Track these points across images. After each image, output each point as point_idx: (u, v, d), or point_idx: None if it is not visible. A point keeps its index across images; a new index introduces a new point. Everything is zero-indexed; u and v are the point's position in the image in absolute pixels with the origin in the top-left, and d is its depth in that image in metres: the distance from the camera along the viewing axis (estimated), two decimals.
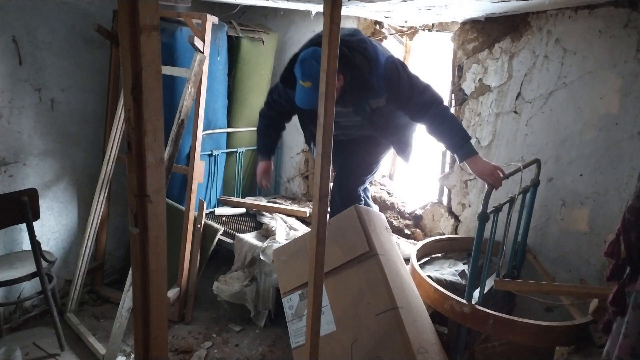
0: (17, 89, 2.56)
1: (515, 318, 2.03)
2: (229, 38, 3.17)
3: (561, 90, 2.55)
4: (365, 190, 2.76)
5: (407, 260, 2.53)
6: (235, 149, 3.53)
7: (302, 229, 3.09)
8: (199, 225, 2.92)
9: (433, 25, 3.08)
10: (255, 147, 3.46)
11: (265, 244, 2.86)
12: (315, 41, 2.14)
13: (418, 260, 2.59)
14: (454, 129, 2.18)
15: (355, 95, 2.19)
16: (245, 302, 2.86)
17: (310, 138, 2.53)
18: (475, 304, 2.08)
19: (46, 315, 2.81)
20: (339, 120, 2.27)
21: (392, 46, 3.49)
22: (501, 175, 2.08)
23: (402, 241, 3.07)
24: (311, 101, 2.04)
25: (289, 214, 3.29)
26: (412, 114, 2.26)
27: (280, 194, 3.93)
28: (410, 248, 2.87)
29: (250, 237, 2.97)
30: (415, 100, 2.19)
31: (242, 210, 3.39)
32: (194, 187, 2.86)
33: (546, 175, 2.62)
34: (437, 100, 2.19)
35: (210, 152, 3.30)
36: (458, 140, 2.17)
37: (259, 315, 2.90)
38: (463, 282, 2.41)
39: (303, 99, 2.07)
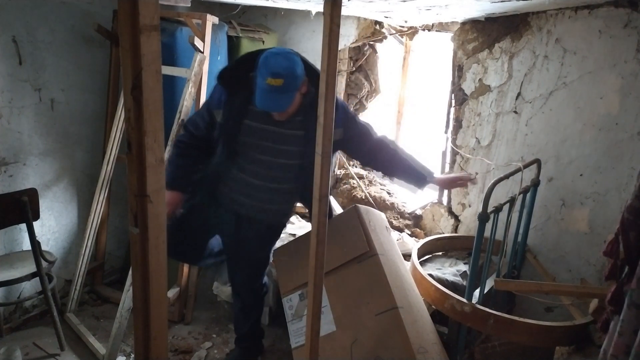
0: (17, 89, 2.56)
1: (516, 318, 2.03)
2: (229, 38, 3.17)
3: (561, 90, 2.55)
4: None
5: (409, 255, 2.54)
6: None
7: (297, 224, 3.09)
8: None
9: (433, 25, 3.08)
10: None
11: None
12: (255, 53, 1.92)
13: (419, 258, 2.60)
14: (413, 157, 2.21)
15: (314, 115, 2.04)
16: None
17: (232, 152, 2.03)
18: (476, 303, 2.08)
19: (46, 315, 2.81)
20: (268, 148, 2.00)
21: (392, 46, 3.49)
22: (466, 176, 2.19)
23: (405, 235, 3.08)
24: (279, 102, 1.83)
25: None
26: (374, 152, 2.14)
27: None
28: (413, 244, 2.87)
29: None
30: (373, 135, 2.14)
31: None
32: None
33: (546, 175, 2.62)
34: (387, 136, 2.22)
35: None
36: (421, 165, 2.20)
37: None
38: (464, 282, 2.41)
39: (269, 99, 1.82)
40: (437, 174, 2.17)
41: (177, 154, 2.15)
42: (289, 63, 1.80)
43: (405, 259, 2.38)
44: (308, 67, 1.92)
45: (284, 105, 1.85)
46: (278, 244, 2.50)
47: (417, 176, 2.18)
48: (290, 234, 2.98)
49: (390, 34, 3.29)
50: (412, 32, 3.22)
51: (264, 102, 1.82)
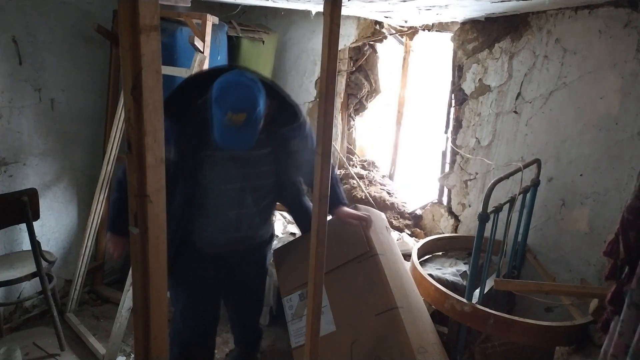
0: (17, 89, 2.56)
1: (516, 318, 2.03)
2: (229, 38, 3.17)
3: (561, 90, 2.55)
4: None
5: (409, 255, 2.54)
6: None
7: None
8: None
9: (433, 25, 3.08)
10: None
11: None
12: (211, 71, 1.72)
13: (419, 258, 2.60)
14: (337, 183, 2.13)
15: (279, 127, 1.76)
16: None
17: (197, 189, 1.81)
18: (476, 303, 2.08)
19: (46, 315, 2.81)
20: (235, 175, 1.81)
21: (392, 46, 3.49)
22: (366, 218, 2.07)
23: (405, 235, 3.08)
24: (244, 139, 1.60)
25: None
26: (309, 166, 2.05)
27: None
28: (413, 244, 2.87)
29: None
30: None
31: None
32: None
33: (546, 175, 2.62)
34: None
35: None
36: (339, 193, 2.12)
37: None
38: (464, 283, 2.41)
39: (232, 137, 1.58)
40: (345, 207, 2.09)
41: (121, 198, 1.87)
42: (249, 94, 1.56)
43: (405, 259, 2.38)
44: (264, 83, 1.70)
45: (249, 142, 1.63)
46: (278, 244, 2.49)
47: (340, 198, 2.13)
48: (290, 233, 2.98)
49: (390, 34, 3.29)
50: (412, 32, 3.22)
51: (226, 140, 1.60)
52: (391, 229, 2.46)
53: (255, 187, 1.88)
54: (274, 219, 2.19)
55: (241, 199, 1.87)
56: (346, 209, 2.10)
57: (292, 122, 1.80)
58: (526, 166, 2.32)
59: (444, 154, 3.13)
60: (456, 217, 3.10)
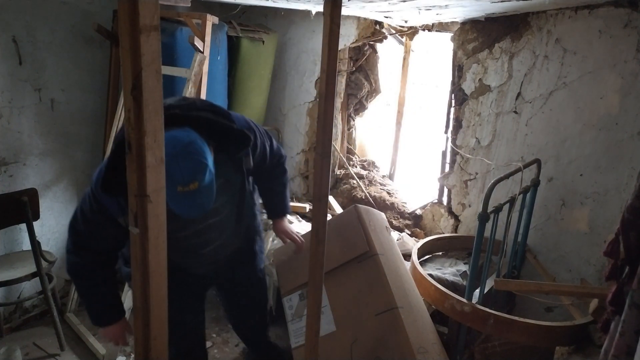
0: (17, 89, 2.56)
1: (515, 318, 2.03)
2: (229, 38, 3.17)
3: (561, 90, 2.55)
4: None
5: (409, 255, 2.54)
6: None
7: (297, 224, 3.09)
8: None
9: (433, 25, 3.08)
10: None
11: (268, 247, 2.86)
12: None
13: (419, 258, 2.60)
14: (284, 194, 2.14)
15: (232, 154, 1.69)
16: None
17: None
18: (476, 303, 2.08)
19: (46, 315, 2.81)
20: (197, 220, 1.70)
21: (392, 46, 3.49)
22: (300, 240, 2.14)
23: (405, 235, 3.08)
24: (202, 205, 1.48)
25: None
26: (270, 167, 2.02)
27: None
28: (413, 244, 2.87)
29: None
30: (274, 146, 1.97)
31: None
32: None
33: (546, 175, 2.62)
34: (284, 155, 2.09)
35: None
36: (283, 204, 2.14)
37: None
38: (464, 282, 2.41)
39: (189, 207, 1.46)
40: (283, 222, 2.13)
41: (95, 284, 1.70)
42: (194, 162, 1.42)
43: (405, 259, 2.38)
44: (204, 120, 1.57)
45: (210, 202, 1.51)
46: (278, 244, 2.49)
47: (271, 209, 2.17)
48: None
49: (390, 34, 3.29)
50: (412, 32, 3.22)
51: (185, 209, 1.47)
52: (391, 229, 2.47)
53: (220, 221, 1.82)
54: (257, 218, 2.16)
55: (208, 236, 1.81)
56: (285, 223, 2.13)
57: (244, 146, 1.70)
58: (526, 166, 2.32)
59: (444, 154, 3.13)
60: (456, 217, 3.10)
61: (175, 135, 1.44)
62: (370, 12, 2.89)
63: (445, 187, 3.15)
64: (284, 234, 2.16)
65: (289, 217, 3.22)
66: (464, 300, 2.08)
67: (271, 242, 2.89)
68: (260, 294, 2.33)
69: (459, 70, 2.94)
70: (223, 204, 1.79)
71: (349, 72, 3.51)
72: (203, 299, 2.14)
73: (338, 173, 3.60)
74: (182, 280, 1.84)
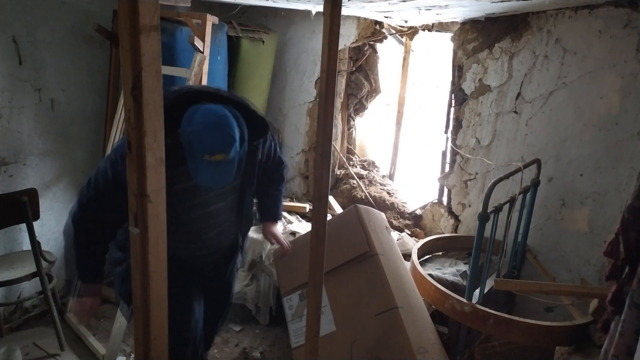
0: (17, 89, 2.56)
1: (515, 318, 2.03)
2: (229, 38, 3.17)
3: (561, 90, 2.55)
4: None
5: (409, 255, 2.54)
6: None
7: (297, 224, 3.09)
8: None
9: (433, 25, 3.08)
10: None
11: (268, 247, 2.86)
12: (185, 97, 1.59)
13: (419, 258, 2.60)
14: (278, 200, 2.17)
15: (249, 141, 1.71)
16: (245, 301, 2.87)
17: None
18: (476, 303, 2.08)
19: (46, 315, 2.81)
20: (202, 202, 1.78)
21: (392, 46, 3.49)
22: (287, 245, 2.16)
23: (405, 235, 3.09)
24: (223, 176, 1.57)
25: (289, 210, 3.33)
26: (271, 170, 2.05)
27: None
28: (413, 244, 2.87)
29: (250, 231, 2.97)
30: (278, 150, 2.03)
31: None
32: None
33: (546, 175, 2.62)
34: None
35: None
36: (275, 209, 2.16)
37: (260, 312, 2.90)
38: (464, 283, 2.41)
39: (211, 176, 1.54)
40: (273, 227, 2.18)
41: (92, 239, 1.76)
42: (225, 134, 1.50)
43: (405, 259, 2.38)
44: (234, 103, 1.66)
45: (229, 178, 1.60)
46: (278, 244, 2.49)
47: (263, 213, 2.20)
48: (290, 233, 2.98)
49: (390, 34, 3.29)
50: (412, 32, 3.22)
51: (206, 180, 1.56)
52: (391, 229, 2.47)
53: (221, 207, 1.87)
54: (252, 218, 2.19)
55: (209, 222, 1.85)
56: (275, 227, 2.17)
57: (261, 135, 1.80)
58: (526, 166, 2.32)
59: (444, 154, 3.13)
60: (456, 217, 3.10)
61: (210, 107, 1.54)
62: (370, 12, 2.89)
63: (445, 187, 3.16)
64: (272, 236, 2.19)
65: (289, 217, 3.26)
66: (464, 300, 2.08)
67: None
68: (226, 294, 2.26)
69: (459, 70, 2.94)
70: (231, 189, 1.86)
71: (349, 72, 3.51)
72: (199, 290, 2.13)
73: (338, 173, 3.60)
74: (179, 269, 1.87)
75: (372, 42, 3.40)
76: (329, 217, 2.43)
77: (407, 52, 3.37)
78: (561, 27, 2.51)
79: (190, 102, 1.58)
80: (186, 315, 1.97)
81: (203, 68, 2.69)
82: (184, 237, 1.82)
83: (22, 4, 2.50)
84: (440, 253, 2.85)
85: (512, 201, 2.17)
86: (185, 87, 1.69)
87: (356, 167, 3.64)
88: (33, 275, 2.43)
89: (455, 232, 3.09)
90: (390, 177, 3.63)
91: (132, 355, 2.59)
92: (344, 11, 2.85)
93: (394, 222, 3.28)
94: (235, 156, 1.57)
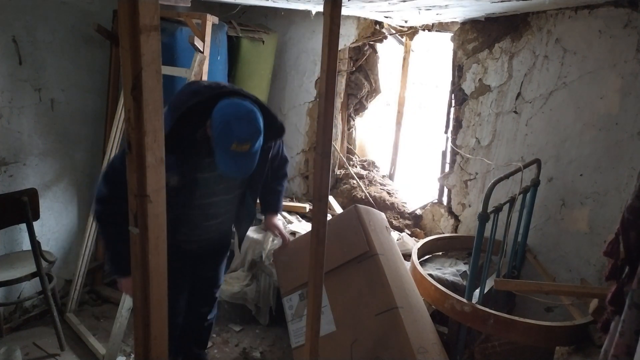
0: (17, 89, 2.56)
1: (515, 318, 2.03)
2: (229, 38, 3.17)
3: (561, 90, 2.55)
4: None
5: (409, 255, 2.54)
6: None
7: (297, 224, 3.10)
8: None
9: (433, 25, 3.08)
10: None
11: (268, 247, 2.86)
12: (215, 92, 1.71)
13: (419, 258, 2.60)
14: (279, 195, 2.32)
15: (264, 142, 1.80)
16: (245, 302, 2.87)
17: (185, 207, 1.87)
18: (476, 303, 2.08)
19: (46, 315, 2.81)
20: (216, 191, 1.93)
21: (392, 46, 3.49)
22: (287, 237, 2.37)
23: (405, 235, 3.09)
24: (246, 166, 1.69)
25: (289, 210, 3.34)
26: (276, 167, 2.18)
27: None
28: (413, 244, 2.87)
29: (250, 231, 2.97)
30: (284, 150, 2.19)
31: None
32: None
33: (546, 175, 2.62)
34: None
35: None
36: (276, 203, 2.31)
37: (260, 312, 2.90)
38: (464, 283, 2.41)
39: (235, 165, 1.66)
40: (275, 218, 2.35)
41: (117, 231, 1.74)
42: (253, 126, 1.65)
43: (405, 259, 2.38)
44: (258, 105, 1.77)
45: (251, 168, 1.72)
46: (278, 244, 2.50)
47: (265, 206, 2.34)
48: (290, 233, 2.99)
49: (390, 34, 3.29)
50: (412, 32, 3.22)
51: (231, 168, 1.67)
52: (391, 229, 2.47)
53: (234, 195, 2.03)
54: (253, 216, 2.34)
55: (217, 210, 2.00)
56: (276, 219, 2.35)
57: (276, 137, 1.96)
58: (526, 166, 2.32)
59: (444, 154, 3.13)
60: (456, 217, 3.10)
61: (241, 102, 1.69)
62: (370, 12, 2.89)
63: (445, 187, 3.16)
64: (273, 228, 2.36)
65: (289, 217, 3.26)
66: (464, 300, 2.08)
67: (271, 242, 2.89)
68: (213, 286, 2.33)
69: (459, 70, 2.94)
70: (239, 184, 1.99)
71: (349, 72, 3.51)
72: (187, 283, 2.19)
73: (338, 173, 3.60)
74: (173, 253, 1.93)
75: (372, 42, 3.40)
76: (329, 217, 2.44)
77: (407, 52, 3.37)
78: (561, 27, 2.51)
79: (221, 99, 1.72)
80: (172, 302, 2.01)
81: (203, 68, 2.69)
82: (185, 223, 1.95)
83: (22, 4, 2.50)
84: (440, 253, 2.85)
85: (512, 201, 2.17)
86: (218, 84, 1.81)
87: (356, 167, 3.64)
88: (33, 275, 2.43)
89: (455, 232, 3.09)
90: (390, 177, 3.63)
91: (132, 355, 2.59)
92: (344, 11, 2.85)
93: (394, 222, 3.28)
94: (259, 149, 1.70)
